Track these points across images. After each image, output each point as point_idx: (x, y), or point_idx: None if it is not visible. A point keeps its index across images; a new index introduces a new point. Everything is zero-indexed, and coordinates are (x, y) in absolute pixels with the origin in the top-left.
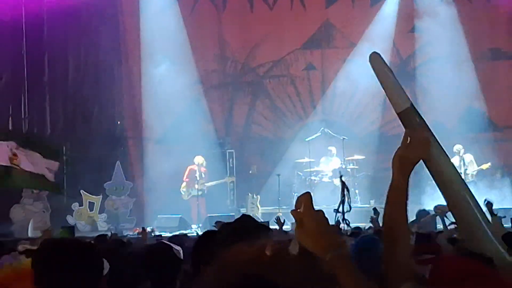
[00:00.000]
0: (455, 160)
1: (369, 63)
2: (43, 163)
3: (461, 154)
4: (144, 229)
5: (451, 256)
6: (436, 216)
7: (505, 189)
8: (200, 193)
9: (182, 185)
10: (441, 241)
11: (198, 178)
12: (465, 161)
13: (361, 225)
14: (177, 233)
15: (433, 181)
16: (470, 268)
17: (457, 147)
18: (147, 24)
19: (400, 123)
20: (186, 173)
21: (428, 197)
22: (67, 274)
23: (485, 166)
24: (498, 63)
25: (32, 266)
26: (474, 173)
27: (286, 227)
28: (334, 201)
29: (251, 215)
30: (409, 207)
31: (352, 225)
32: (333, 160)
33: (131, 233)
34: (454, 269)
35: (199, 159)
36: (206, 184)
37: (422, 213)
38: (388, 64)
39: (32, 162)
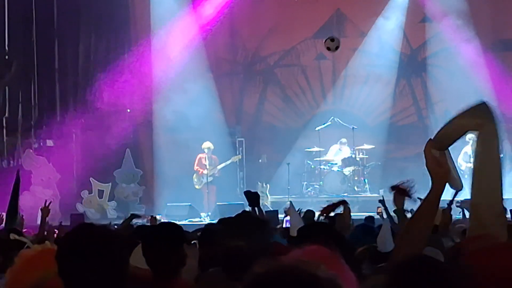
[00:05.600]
0: (468, 149)
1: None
2: None
3: (471, 143)
4: (153, 217)
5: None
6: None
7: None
8: (210, 179)
9: (193, 176)
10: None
11: (208, 166)
12: None
13: (370, 214)
14: (185, 221)
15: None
16: None
17: (470, 136)
18: (158, 11)
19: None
20: (196, 162)
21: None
22: (92, 265)
23: None
24: (508, 54)
25: (55, 258)
26: None
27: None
28: (343, 190)
29: (261, 204)
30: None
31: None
32: (343, 150)
33: (140, 221)
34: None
35: (207, 144)
36: (217, 167)
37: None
38: (399, 54)
39: None
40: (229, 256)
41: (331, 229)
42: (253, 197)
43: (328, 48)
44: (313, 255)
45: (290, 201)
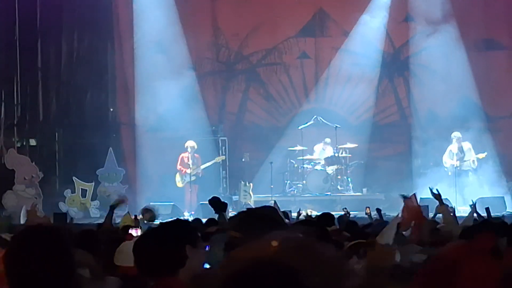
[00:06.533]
0: (453, 147)
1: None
2: None
3: (458, 141)
4: (136, 217)
5: None
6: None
7: (496, 179)
8: (193, 178)
9: (176, 174)
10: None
11: (191, 165)
12: (463, 149)
13: (352, 213)
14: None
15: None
16: None
17: (456, 134)
18: (140, 11)
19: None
20: (179, 161)
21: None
22: (36, 268)
23: (481, 156)
24: (491, 54)
25: (3, 259)
26: (473, 161)
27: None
28: (326, 189)
29: (244, 203)
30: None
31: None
32: (326, 149)
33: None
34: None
35: (190, 143)
36: (200, 167)
37: None
38: (381, 53)
39: None
40: None
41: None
42: (218, 204)
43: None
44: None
45: (275, 201)
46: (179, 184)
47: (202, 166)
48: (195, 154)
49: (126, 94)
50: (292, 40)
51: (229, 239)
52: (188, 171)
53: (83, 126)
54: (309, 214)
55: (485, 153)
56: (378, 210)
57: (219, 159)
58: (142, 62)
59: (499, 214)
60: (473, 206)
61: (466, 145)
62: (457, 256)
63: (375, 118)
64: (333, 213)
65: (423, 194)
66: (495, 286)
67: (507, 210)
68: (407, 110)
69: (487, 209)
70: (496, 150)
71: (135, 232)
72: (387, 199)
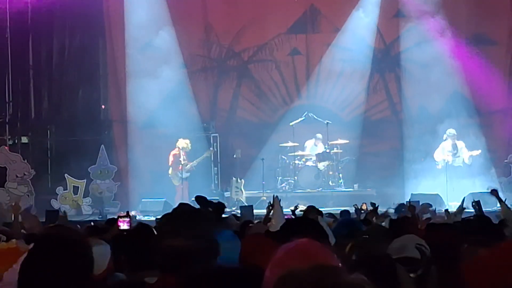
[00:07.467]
0: (447, 144)
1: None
2: None
3: (453, 139)
4: (128, 213)
5: None
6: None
7: (487, 174)
8: (187, 175)
9: (169, 171)
10: None
11: (182, 162)
12: (457, 146)
13: (344, 209)
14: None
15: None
16: None
17: (450, 131)
18: (131, 8)
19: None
20: (170, 159)
21: (410, 184)
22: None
23: (475, 153)
24: (483, 49)
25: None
26: (468, 158)
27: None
28: (317, 185)
29: (235, 199)
30: (394, 193)
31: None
32: (317, 145)
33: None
34: None
35: (181, 143)
36: (190, 164)
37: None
38: (372, 49)
39: None
40: (166, 256)
41: (316, 224)
42: (203, 202)
43: None
44: (304, 248)
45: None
46: (175, 182)
47: (193, 162)
48: (186, 152)
49: (118, 91)
50: (283, 37)
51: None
52: (180, 168)
53: (75, 123)
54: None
55: (479, 151)
56: (372, 204)
57: (208, 153)
58: (133, 59)
59: (490, 209)
60: (462, 202)
61: (460, 144)
62: None
63: (367, 114)
64: (326, 209)
65: (415, 189)
66: None
67: (498, 206)
68: (398, 106)
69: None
70: (487, 145)
71: (123, 224)
72: (379, 195)
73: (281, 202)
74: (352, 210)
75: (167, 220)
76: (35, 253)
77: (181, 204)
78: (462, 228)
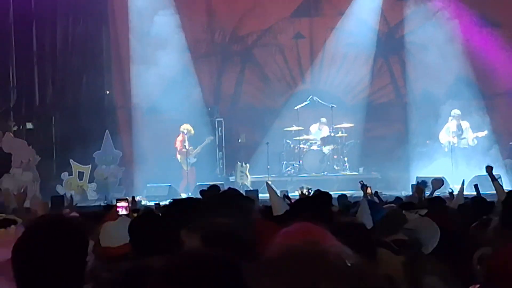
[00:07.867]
0: (451, 125)
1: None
2: None
3: (457, 119)
4: (133, 198)
5: None
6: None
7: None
8: (194, 160)
9: (178, 156)
10: None
11: (187, 147)
12: (462, 127)
13: (348, 192)
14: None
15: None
16: None
17: (455, 111)
18: None
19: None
20: (178, 145)
21: (415, 167)
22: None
23: (481, 134)
24: (487, 31)
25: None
26: (472, 139)
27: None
28: (322, 169)
29: (240, 183)
30: (399, 176)
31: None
32: (322, 128)
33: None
34: None
35: (185, 127)
36: (194, 151)
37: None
38: (376, 33)
39: None
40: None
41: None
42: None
43: None
44: (305, 231)
45: (267, 182)
46: (185, 167)
47: (197, 151)
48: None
49: (122, 77)
50: (287, 21)
51: None
52: (184, 151)
53: (80, 109)
54: (305, 193)
55: (486, 132)
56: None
57: (208, 139)
58: (137, 45)
59: (494, 192)
60: (462, 185)
61: (465, 124)
62: None
63: (371, 97)
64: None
65: (420, 173)
66: None
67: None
68: (403, 89)
69: (476, 186)
70: (492, 128)
71: (122, 210)
72: (383, 178)
73: (286, 186)
74: (357, 194)
75: (215, 198)
76: (26, 237)
77: (230, 189)
78: (459, 211)
